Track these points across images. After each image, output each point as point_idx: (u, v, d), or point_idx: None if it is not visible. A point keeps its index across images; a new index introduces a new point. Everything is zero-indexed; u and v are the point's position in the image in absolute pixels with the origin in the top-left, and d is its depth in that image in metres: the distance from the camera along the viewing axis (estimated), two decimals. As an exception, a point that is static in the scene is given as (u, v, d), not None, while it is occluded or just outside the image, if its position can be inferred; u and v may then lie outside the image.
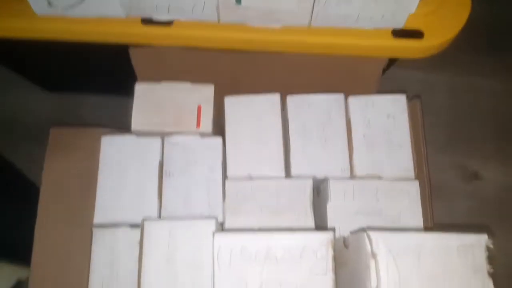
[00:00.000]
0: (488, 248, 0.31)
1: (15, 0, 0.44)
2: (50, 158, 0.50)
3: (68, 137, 0.52)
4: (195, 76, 0.48)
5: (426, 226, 0.42)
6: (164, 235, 0.37)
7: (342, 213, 0.41)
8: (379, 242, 0.31)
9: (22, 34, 0.46)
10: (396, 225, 0.41)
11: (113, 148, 0.45)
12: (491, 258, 0.31)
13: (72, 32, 0.46)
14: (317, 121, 0.46)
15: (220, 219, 0.42)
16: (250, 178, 0.43)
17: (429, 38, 0.46)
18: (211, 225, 0.37)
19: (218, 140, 0.45)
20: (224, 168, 0.44)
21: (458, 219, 0.71)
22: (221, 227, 0.41)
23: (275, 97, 0.47)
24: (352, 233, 0.36)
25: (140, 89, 0.47)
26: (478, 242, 0.31)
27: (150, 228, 0.38)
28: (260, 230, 0.40)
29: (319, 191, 0.45)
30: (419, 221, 0.41)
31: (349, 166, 0.44)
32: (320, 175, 0.44)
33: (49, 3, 0.43)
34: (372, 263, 0.31)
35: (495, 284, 0.31)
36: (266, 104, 0.46)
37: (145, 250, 0.37)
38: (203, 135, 0.45)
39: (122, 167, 0.44)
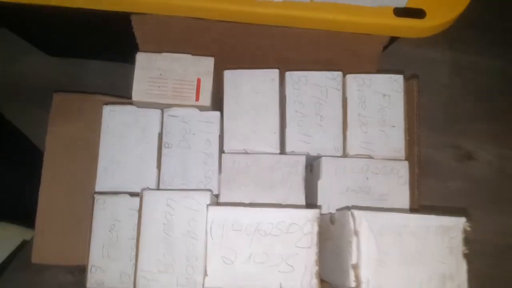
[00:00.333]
0: (465, 231, 0.33)
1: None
2: (54, 123, 0.52)
3: (71, 103, 0.53)
4: (196, 48, 0.48)
5: (412, 207, 0.43)
6: (161, 204, 0.39)
7: (332, 191, 0.43)
8: (362, 221, 0.33)
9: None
10: (383, 205, 0.42)
11: (114, 118, 0.46)
12: (467, 240, 0.33)
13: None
14: (314, 98, 0.47)
15: (215, 191, 0.44)
16: (246, 152, 0.45)
17: (431, 17, 0.46)
18: (206, 197, 0.39)
19: (216, 114, 0.46)
20: (221, 142, 0.46)
21: (450, 198, 0.72)
22: (216, 199, 0.43)
23: (274, 73, 0.47)
24: (338, 210, 0.38)
25: (141, 59, 0.47)
26: (456, 225, 0.33)
27: (149, 197, 0.40)
28: (252, 204, 0.42)
29: (312, 168, 0.46)
30: (405, 201, 0.43)
31: (342, 145, 0.45)
32: (313, 152, 0.45)
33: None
34: (354, 240, 0.33)
35: (469, 264, 0.33)
36: (265, 79, 0.47)
37: (143, 218, 0.39)
38: (202, 108, 0.46)
39: (123, 137, 0.45)
